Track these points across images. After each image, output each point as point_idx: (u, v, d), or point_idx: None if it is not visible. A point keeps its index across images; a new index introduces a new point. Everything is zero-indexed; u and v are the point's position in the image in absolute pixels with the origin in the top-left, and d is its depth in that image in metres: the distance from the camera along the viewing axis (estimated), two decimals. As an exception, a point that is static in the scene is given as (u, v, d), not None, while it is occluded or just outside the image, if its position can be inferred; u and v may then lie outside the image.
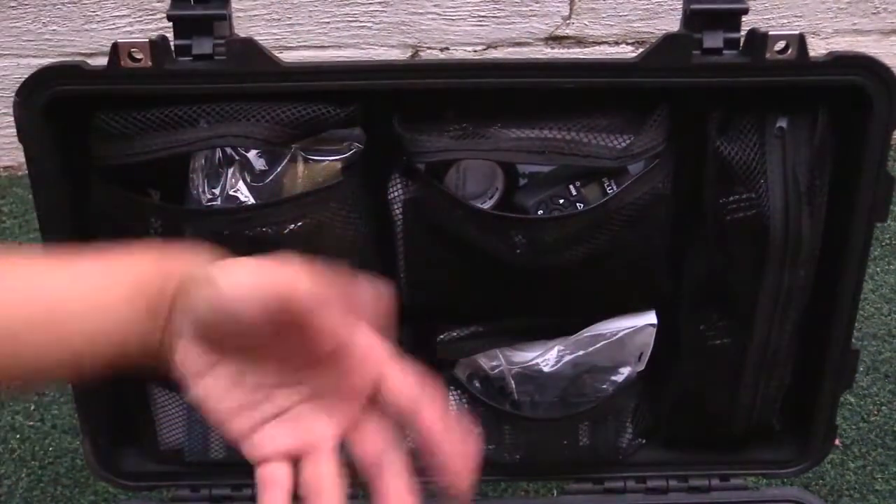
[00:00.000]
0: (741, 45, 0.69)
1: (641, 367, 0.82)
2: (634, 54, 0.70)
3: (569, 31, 1.55)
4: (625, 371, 0.82)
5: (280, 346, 0.50)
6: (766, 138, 0.72)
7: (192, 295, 0.49)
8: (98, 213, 0.73)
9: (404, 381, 0.51)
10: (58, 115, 0.70)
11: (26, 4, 1.47)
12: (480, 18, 1.52)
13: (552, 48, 1.56)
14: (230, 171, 0.71)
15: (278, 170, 0.71)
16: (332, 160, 0.72)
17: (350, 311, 0.50)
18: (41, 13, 1.48)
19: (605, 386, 0.82)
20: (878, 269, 1.37)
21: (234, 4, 0.69)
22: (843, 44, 1.58)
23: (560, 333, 0.80)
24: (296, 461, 0.51)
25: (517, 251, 0.72)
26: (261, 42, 0.68)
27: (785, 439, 0.87)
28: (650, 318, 0.79)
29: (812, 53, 0.68)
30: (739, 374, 0.80)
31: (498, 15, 1.52)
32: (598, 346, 0.80)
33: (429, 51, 1.55)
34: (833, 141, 0.73)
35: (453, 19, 1.52)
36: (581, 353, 0.80)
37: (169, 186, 0.73)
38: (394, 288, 0.77)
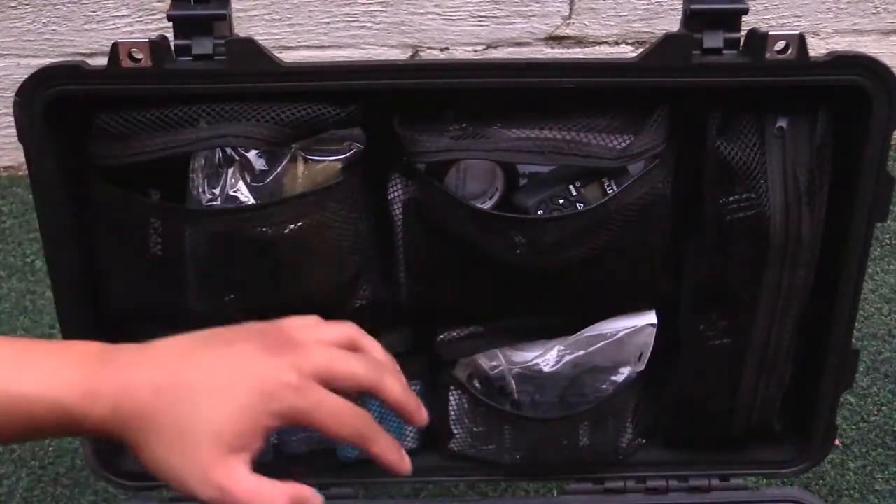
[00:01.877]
0: (741, 45, 0.69)
1: (641, 367, 0.82)
2: (634, 54, 0.71)
3: (569, 31, 1.55)
4: (625, 371, 0.82)
5: None
6: (766, 138, 0.72)
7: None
8: (98, 213, 0.73)
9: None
10: (58, 115, 0.70)
11: (26, 4, 1.47)
12: (480, 18, 1.52)
13: (552, 48, 1.56)
14: (230, 171, 0.71)
15: (278, 170, 0.71)
16: (332, 160, 0.72)
17: None
18: (41, 13, 1.48)
19: (605, 386, 0.82)
20: (878, 269, 1.37)
21: (234, 4, 0.69)
22: (843, 44, 1.58)
23: (560, 333, 0.80)
24: None
25: (517, 251, 0.72)
26: (261, 42, 0.68)
27: (785, 439, 0.87)
28: (650, 318, 0.79)
29: (812, 53, 0.68)
30: (739, 374, 0.80)
31: (498, 15, 1.52)
32: (598, 346, 0.80)
33: (429, 51, 1.55)
34: (833, 141, 0.73)
35: (453, 19, 1.52)
36: (581, 353, 0.80)
37: (169, 186, 0.73)
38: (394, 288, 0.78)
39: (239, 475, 0.51)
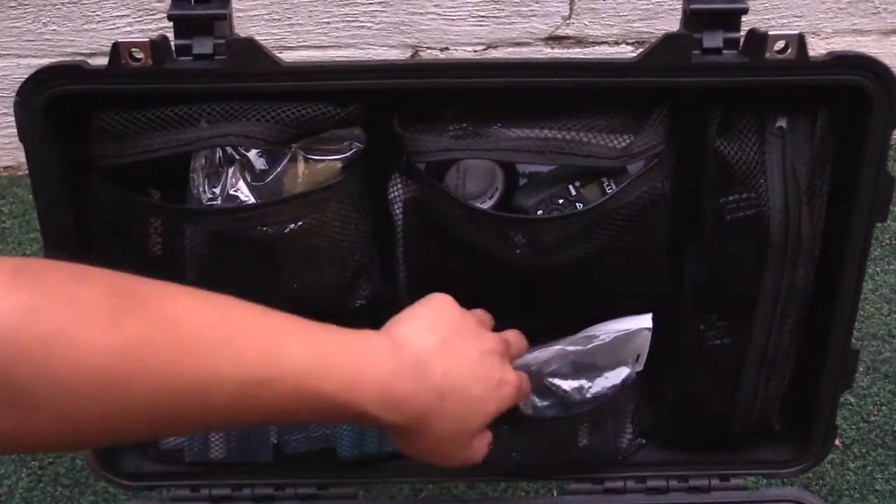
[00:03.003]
0: (741, 45, 0.69)
1: (640, 367, 0.82)
2: (634, 54, 0.70)
3: (569, 31, 1.55)
4: (624, 372, 0.82)
5: None
6: (766, 138, 0.72)
7: None
8: (98, 213, 0.73)
9: None
10: (58, 115, 0.70)
11: (26, 4, 1.47)
12: (480, 18, 1.52)
13: (552, 48, 1.56)
14: (230, 170, 0.71)
15: (278, 170, 0.71)
16: (332, 160, 0.72)
17: None
18: (41, 13, 1.48)
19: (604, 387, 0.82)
20: (878, 269, 1.37)
21: (234, 4, 0.69)
22: (843, 44, 1.58)
23: (560, 333, 0.80)
24: None
25: (517, 251, 0.72)
26: (261, 42, 0.68)
27: (785, 439, 0.87)
28: (646, 321, 0.79)
29: (812, 53, 0.68)
30: (739, 374, 0.80)
31: (498, 15, 1.52)
32: (595, 347, 0.80)
33: (429, 51, 1.55)
34: (833, 141, 0.73)
35: (453, 19, 1.52)
36: (580, 353, 0.80)
37: (169, 186, 0.73)
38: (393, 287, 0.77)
39: (481, 443, 0.70)
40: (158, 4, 1.47)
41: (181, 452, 0.84)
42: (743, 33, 0.69)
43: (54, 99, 0.68)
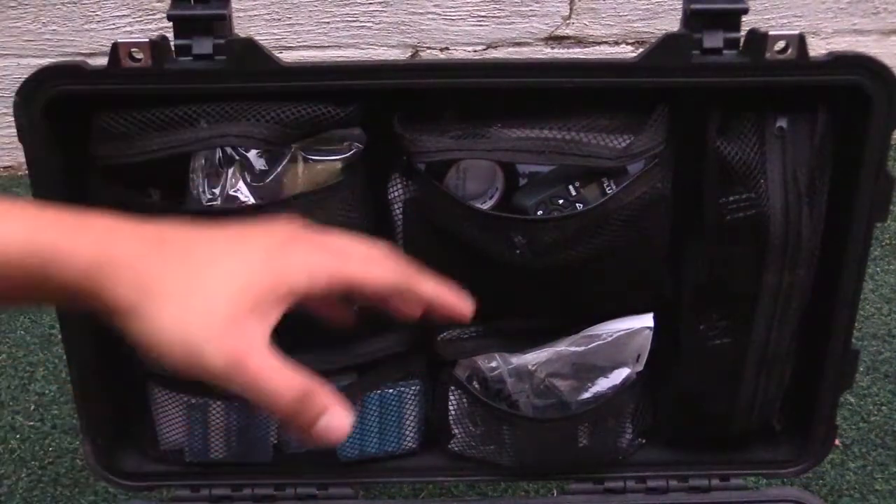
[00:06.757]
0: (741, 45, 0.69)
1: (640, 367, 0.82)
2: (634, 54, 0.70)
3: (569, 31, 1.55)
4: (624, 372, 0.82)
5: None
6: (766, 138, 0.72)
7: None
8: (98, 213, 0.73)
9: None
10: (58, 115, 0.70)
11: (26, 4, 1.48)
12: (480, 18, 1.53)
13: (552, 48, 1.56)
14: (230, 171, 0.71)
15: (278, 170, 0.71)
16: (332, 160, 0.72)
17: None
18: (41, 13, 1.48)
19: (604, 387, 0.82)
20: (878, 269, 1.37)
21: (234, 4, 0.69)
22: (843, 44, 1.58)
23: (560, 334, 0.80)
24: None
25: (517, 251, 0.72)
26: (261, 42, 0.68)
27: (785, 439, 0.87)
28: (647, 320, 0.79)
29: (812, 53, 0.68)
30: (739, 374, 0.80)
31: (498, 15, 1.52)
32: (596, 347, 0.80)
33: (429, 51, 1.55)
34: (833, 141, 0.73)
35: (453, 19, 1.52)
36: (579, 354, 0.80)
37: (169, 186, 0.73)
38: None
39: (256, 343, 0.43)
40: (158, 4, 1.47)
41: (181, 452, 0.84)
42: (743, 33, 0.69)
43: (54, 99, 0.68)
